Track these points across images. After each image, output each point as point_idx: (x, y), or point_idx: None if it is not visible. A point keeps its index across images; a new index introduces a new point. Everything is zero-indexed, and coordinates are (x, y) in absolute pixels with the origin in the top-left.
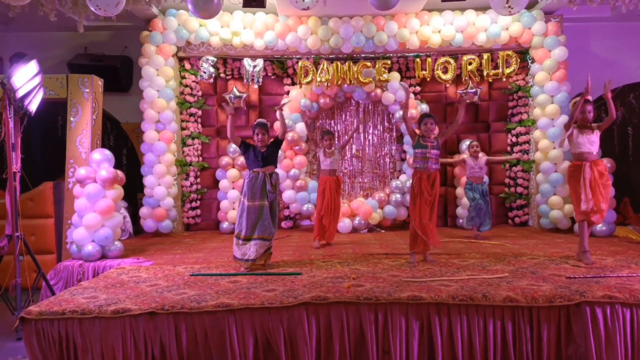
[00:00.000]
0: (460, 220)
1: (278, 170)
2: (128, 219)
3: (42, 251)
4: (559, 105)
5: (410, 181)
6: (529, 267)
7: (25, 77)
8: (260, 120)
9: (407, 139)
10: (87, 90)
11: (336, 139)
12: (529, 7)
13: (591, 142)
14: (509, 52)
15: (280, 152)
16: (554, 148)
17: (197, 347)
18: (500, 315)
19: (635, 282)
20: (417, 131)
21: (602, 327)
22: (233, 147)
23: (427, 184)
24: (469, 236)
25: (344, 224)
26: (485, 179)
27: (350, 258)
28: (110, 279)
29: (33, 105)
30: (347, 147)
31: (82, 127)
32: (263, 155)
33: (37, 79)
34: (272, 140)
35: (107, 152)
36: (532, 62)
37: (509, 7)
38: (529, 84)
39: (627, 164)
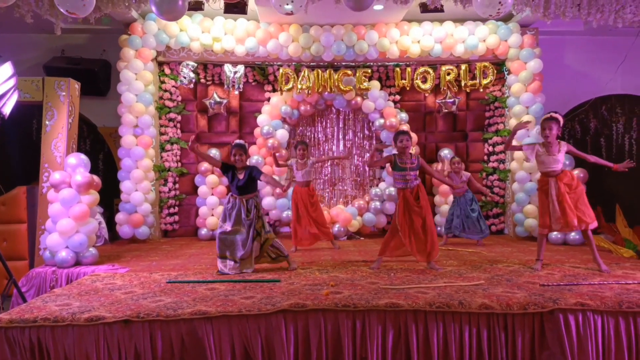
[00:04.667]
0: (439, 228)
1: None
2: (103, 224)
3: (14, 257)
4: (534, 115)
5: (390, 189)
6: (504, 275)
7: (0, 80)
8: (238, 141)
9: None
10: (64, 93)
11: (310, 149)
12: (505, 20)
13: (556, 161)
14: (486, 64)
15: (260, 158)
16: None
17: (173, 356)
18: (476, 322)
19: (606, 289)
20: (394, 150)
21: (574, 333)
22: (213, 152)
23: (413, 199)
24: (446, 244)
25: None
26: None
27: (329, 265)
28: (84, 286)
29: (7, 108)
30: (328, 153)
31: (58, 131)
32: (239, 185)
33: (12, 82)
34: (250, 167)
35: (82, 156)
36: (508, 74)
37: (500, 3)
38: (505, 95)
39: (599, 174)
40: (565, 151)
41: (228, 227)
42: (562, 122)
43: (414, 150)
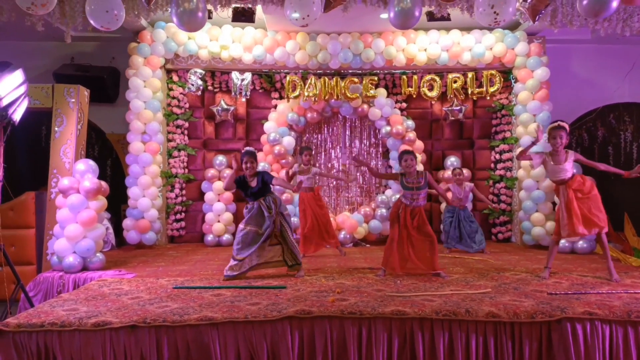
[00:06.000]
0: (444, 236)
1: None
2: (111, 230)
3: (22, 262)
4: (541, 124)
5: (396, 196)
6: (511, 283)
7: (10, 86)
8: (248, 149)
9: (393, 154)
10: (73, 100)
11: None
12: (513, 29)
13: (564, 171)
14: (493, 72)
15: (266, 165)
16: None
17: None
18: (483, 330)
19: (614, 298)
20: (400, 170)
21: (582, 343)
22: (219, 159)
23: (409, 218)
24: (452, 251)
25: None
26: (469, 205)
27: (335, 272)
28: (91, 291)
29: (17, 115)
30: (334, 160)
31: (67, 137)
32: (253, 191)
33: (22, 88)
34: (261, 172)
35: (91, 162)
36: (515, 82)
37: (495, 13)
38: (512, 103)
39: (607, 183)
40: (573, 160)
41: (248, 227)
42: (568, 130)
43: (421, 167)
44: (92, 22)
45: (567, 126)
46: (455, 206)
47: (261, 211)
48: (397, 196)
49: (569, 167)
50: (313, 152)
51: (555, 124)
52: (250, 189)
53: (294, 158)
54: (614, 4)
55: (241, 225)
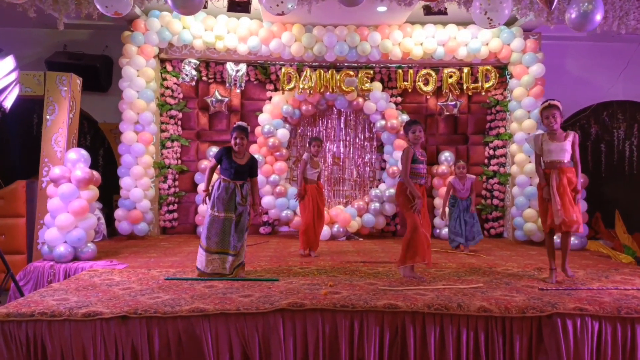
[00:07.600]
0: (437, 230)
1: (258, 176)
2: (102, 220)
3: (12, 251)
4: (535, 120)
5: (390, 190)
6: (503, 278)
7: (1, 73)
8: (240, 123)
9: (387, 148)
10: (65, 88)
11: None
12: (509, 24)
13: (562, 150)
14: (488, 67)
15: (260, 157)
16: (530, 162)
17: (169, 353)
18: (474, 325)
19: (604, 294)
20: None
21: (572, 338)
22: (213, 150)
23: (425, 197)
24: (445, 246)
25: (323, 231)
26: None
27: (328, 265)
28: (81, 281)
29: (8, 102)
30: (328, 154)
31: (59, 126)
32: (238, 169)
33: (14, 75)
34: (254, 158)
35: (83, 151)
36: (510, 78)
37: (489, 19)
38: (507, 99)
39: (599, 180)
40: (571, 141)
41: (220, 213)
42: (561, 109)
43: None
44: (106, 13)
45: (559, 104)
46: (457, 197)
47: (235, 196)
48: (391, 190)
49: (568, 148)
50: (322, 144)
51: (546, 103)
52: (236, 165)
53: (288, 150)
54: (598, 18)
55: (210, 210)
